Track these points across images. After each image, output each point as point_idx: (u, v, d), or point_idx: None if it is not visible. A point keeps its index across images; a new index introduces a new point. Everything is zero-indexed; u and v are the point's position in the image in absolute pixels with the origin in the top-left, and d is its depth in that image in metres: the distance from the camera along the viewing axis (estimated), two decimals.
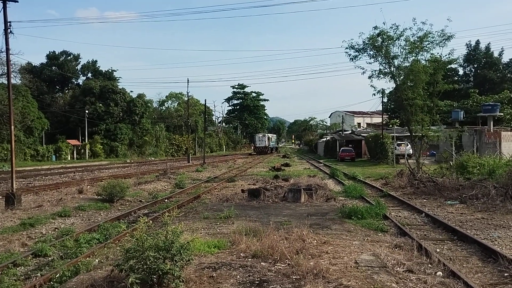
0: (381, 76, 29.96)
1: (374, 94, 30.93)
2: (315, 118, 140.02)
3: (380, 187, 22.36)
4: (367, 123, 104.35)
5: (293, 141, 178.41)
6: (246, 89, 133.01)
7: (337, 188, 22.90)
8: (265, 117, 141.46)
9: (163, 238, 6.04)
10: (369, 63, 30.89)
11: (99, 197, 18.57)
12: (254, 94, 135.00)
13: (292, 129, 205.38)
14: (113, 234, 11.33)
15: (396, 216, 14.33)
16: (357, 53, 30.13)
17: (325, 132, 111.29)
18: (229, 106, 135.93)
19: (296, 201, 16.09)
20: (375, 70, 29.99)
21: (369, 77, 30.20)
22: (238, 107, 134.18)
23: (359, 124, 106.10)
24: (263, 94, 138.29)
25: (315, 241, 9.42)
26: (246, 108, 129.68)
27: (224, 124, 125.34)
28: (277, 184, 20.87)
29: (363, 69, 30.05)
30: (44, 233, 12.29)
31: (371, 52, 29.79)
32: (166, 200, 18.96)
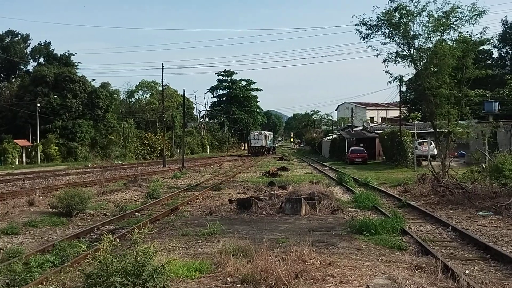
0: (399, 59, 30.23)
1: (390, 82, 31.11)
2: (318, 112, 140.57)
3: (397, 196, 22.48)
4: (381, 117, 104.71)
5: (292, 139, 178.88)
6: (234, 77, 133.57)
7: (345, 197, 23.01)
8: (257, 110, 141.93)
9: (132, 260, 6.06)
10: (384, 43, 30.91)
11: (54, 210, 18.46)
12: (244, 83, 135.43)
13: (291, 125, 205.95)
14: (71, 256, 11.25)
15: (417, 230, 14.40)
16: (370, 31, 30.40)
17: (330, 128, 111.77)
18: (214, 97, 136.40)
19: (296, 213, 16.14)
20: (392, 52, 30.27)
21: (384, 61, 30.47)
22: (224, 98, 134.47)
23: (372, 118, 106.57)
24: (255, 82, 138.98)
25: (319, 262, 9.44)
26: (235, 100, 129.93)
27: (207, 119, 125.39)
28: (272, 192, 20.90)
29: (377, 50, 30.31)
30: None
31: (387, 31, 30.09)
32: (136, 214, 18.90)
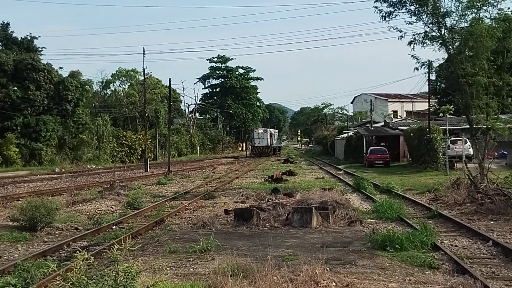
0: (427, 42, 30.19)
1: (417, 69, 31.04)
2: (330, 105, 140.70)
3: (427, 204, 22.52)
4: (406, 111, 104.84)
5: (298, 138, 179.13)
6: (230, 63, 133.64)
7: (364, 206, 23.06)
8: (258, 103, 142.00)
9: (111, 282, 6.05)
10: (410, 23, 30.79)
11: (15, 223, 18.46)
12: (241, 71, 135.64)
13: (298, 121, 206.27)
14: (37, 278, 11.28)
15: (451, 245, 14.43)
16: (392, 9, 30.36)
17: (345, 124, 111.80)
18: (205, 88, 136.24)
19: (305, 225, 16.17)
20: (419, 34, 30.19)
21: (410, 43, 30.41)
22: (218, 89, 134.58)
23: (395, 112, 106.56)
24: (254, 70, 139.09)
25: (334, 284, 9.48)
26: (230, 91, 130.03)
27: (197, 114, 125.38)
28: (276, 201, 20.96)
29: (400, 31, 30.21)
30: None
31: (412, 7, 30.04)
32: (114, 227, 18.96)
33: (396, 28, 30.45)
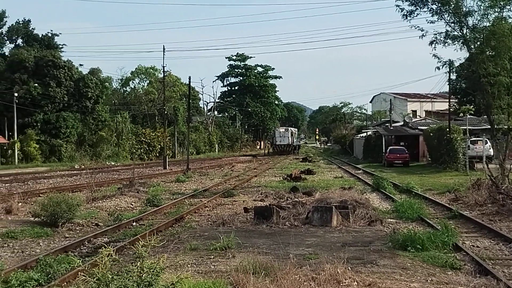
0: (449, 41, 30.03)
1: (438, 68, 30.94)
2: (349, 104, 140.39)
3: (447, 204, 22.38)
4: (425, 111, 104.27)
5: (317, 137, 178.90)
6: (249, 62, 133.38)
7: (384, 206, 22.96)
8: (276, 102, 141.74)
9: (135, 278, 6.07)
10: (431, 22, 30.65)
11: (36, 219, 18.60)
12: (260, 69, 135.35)
13: (316, 120, 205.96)
14: (59, 273, 11.35)
15: (473, 246, 14.35)
16: (413, 8, 30.24)
17: (364, 124, 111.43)
18: (224, 86, 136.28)
19: (325, 224, 16.15)
20: (440, 33, 30.03)
21: (431, 43, 30.29)
22: (236, 87, 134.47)
23: (414, 112, 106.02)
24: (273, 68, 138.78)
25: (355, 283, 9.46)
26: (249, 89, 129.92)
27: (216, 112, 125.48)
28: (296, 200, 20.94)
29: (422, 30, 30.11)
30: None
31: (434, 6, 29.90)
32: (134, 224, 19.02)
33: (418, 27, 30.36)
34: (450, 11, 29.50)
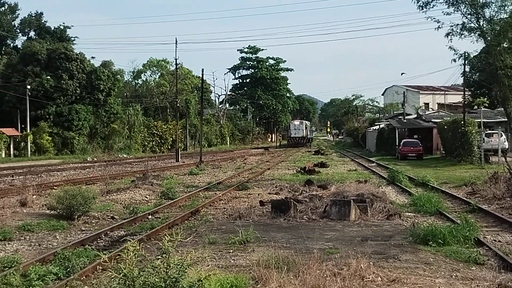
0: (465, 33, 29.87)
1: (455, 60, 30.83)
2: (361, 97, 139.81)
3: (465, 198, 22.18)
4: (438, 104, 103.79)
5: (328, 129, 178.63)
6: (260, 54, 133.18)
7: (400, 199, 22.80)
8: (287, 94, 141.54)
9: (162, 274, 5.95)
10: (447, 13, 30.46)
11: (52, 211, 18.59)
12: (271, 62, 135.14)
13: (327, 113, 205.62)
14: (78, 267, 11.28)
15: (494, 241, 14.18)
16: None
17: (376, 116, 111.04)
18: (235, 78, 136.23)
19: (343, 218, 16.01)
20: (456, 24, 29.82)
21: (447, 35, 30.15)
22: (248, 80, 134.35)
23: (426, 104, 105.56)
24: (285, 61, 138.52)
25: (379, 279, 9.34)
26: (260, 82, 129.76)
27: (228, 105, 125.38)
28: (313, 193, 20.79)
29: (438, 22, 29.94)
30: None
31: None
32: (149, 217, 18.96)
33: (434, 18, 30.18)
34: (467, 2, 29.30)
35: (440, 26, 29.88)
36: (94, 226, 17.56)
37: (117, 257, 12.42)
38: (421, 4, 30.32)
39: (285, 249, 11.79)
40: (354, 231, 14.41)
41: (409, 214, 18.42)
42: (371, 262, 10.10)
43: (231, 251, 12.13)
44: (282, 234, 14.08)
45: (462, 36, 29.84)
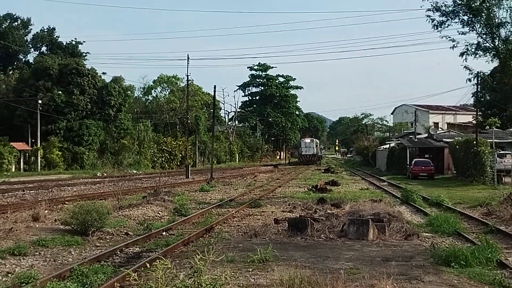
0: (480, 52, 29.73)
1: (470, 80, 30.65)
2: (370, 115, 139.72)
3: (481, 219, 21.94)
4: (447, 123, 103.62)
5: (336, 148, 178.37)
6: (270, 72, 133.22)
7: (415, 219, 22.60)
8: (297, 112, 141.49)
9: None
10: (462, 33, 30.37)
11: (66, 227, 18.44)
12: (281, 79, 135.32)
13: (336, 131, 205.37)
14: (96, 283, 11.13)
15: None
16: (444, 18, 30.00)
17: (385, 135, 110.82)
18: (245, 95, 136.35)
19: (361, 237, 15.80)
20: (471, 44, 29.74)
21: (462, 54, 30.10)
22: (257, 97, 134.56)
23: (436, 124, 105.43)
24: (294, 79, 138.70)
25: None
26: (270, 99, 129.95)
27: (237, 122, 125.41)
28: (329, 212, 20.60)
29: (453, 41, 29.89)
30: None
31: (465, 17, 29.67)
32: (164, 233, 18.79)
33: (449, 37, 30.12)
34: (482, 22, 29.21)
35: (455, 45, 29.80)
36: (109, 242, 17.40)
37: (136, 273, 12.36)
38: (436, 24, 30.20)
39: (305, 269, 11.59)
40: (374, 251, 14.19)
41: (426, 234, 18.19)
42: (395, 284, 9.90)
43: (251, 269, 11.94)
44: (301, 253, 13.88)
45: (477, 55, 29.69)
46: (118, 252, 15.28)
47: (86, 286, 11.09)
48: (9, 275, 12.57)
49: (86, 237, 17.55)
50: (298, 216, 19.86)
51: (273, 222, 19.87)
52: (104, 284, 11.02)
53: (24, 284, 11.19)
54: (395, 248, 14.70)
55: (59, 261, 14.29)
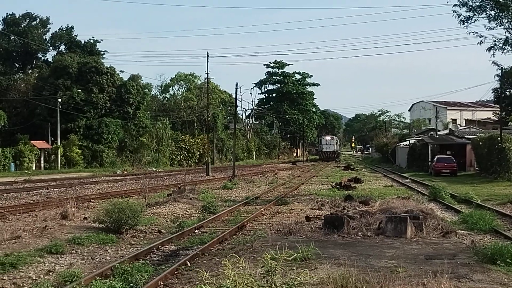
0: (508, 47, 29.39)
1: (498, 75, 30.32)
2: (387, 112, 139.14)
3: None
4: (466, 120, 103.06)
5: (353, 145, 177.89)
6: (287, 69, 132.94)
7: (447, 216, 22.44)
8: (313, 109, 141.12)
9: None
10: (489, 28, 30.02)
11: (100, 225, 18.41)
12: (298, 76, 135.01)
13: (352, 128, 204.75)
14: (141, 282, 11.07)
15: None
16: (471, 13, 29.68)
17: (402, 132, 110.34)
18: (261, 93, 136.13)
19: (399, 235, 15.58)
20: (499, 39, 29.42)
21: (489, 49, 29.71)
22: (274, 94, 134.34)
23: (454, 120, 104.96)
24: (311, 76, 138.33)
25: None
26: (286, 97, 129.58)
27: (254, 119, 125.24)
28: (363, 209, 20.41)
29: (480, 36, 29.53)
30: (34, 278, 12.12)
31: (493, 12, 29.32)
32: (196, 231, 18.79)
33: (476, 33, 29.79)
34: (509, 17, 28.86)
35: (483, 41, 29.45)
36: (142, 240, 17.40)
37: (175, 272, 12.28)
38: (462, 19, 29.88)
39: (349, 267, 11.37)
40: (415, 249, 13.97)
41: (462, 231, 17.99)
42: (450, 283, 9.73)
43: (294, 268, 11.79)
44: (341, 251, 13.69)
45: (505, 51, 29.36)
46: (155, 250, 15.27)
47: (131, 284, 11.04)
48: (50, 273, 12.57)
49: (119, 235, 17.55)
50: (334, 213, 19.68)
51: (305, 220, 19.73)
52: (148, 283, 10.98)
53: (68, 282, 11.15)
54: (435, 246, 14.48)
55: (97, 259, 14.28)
